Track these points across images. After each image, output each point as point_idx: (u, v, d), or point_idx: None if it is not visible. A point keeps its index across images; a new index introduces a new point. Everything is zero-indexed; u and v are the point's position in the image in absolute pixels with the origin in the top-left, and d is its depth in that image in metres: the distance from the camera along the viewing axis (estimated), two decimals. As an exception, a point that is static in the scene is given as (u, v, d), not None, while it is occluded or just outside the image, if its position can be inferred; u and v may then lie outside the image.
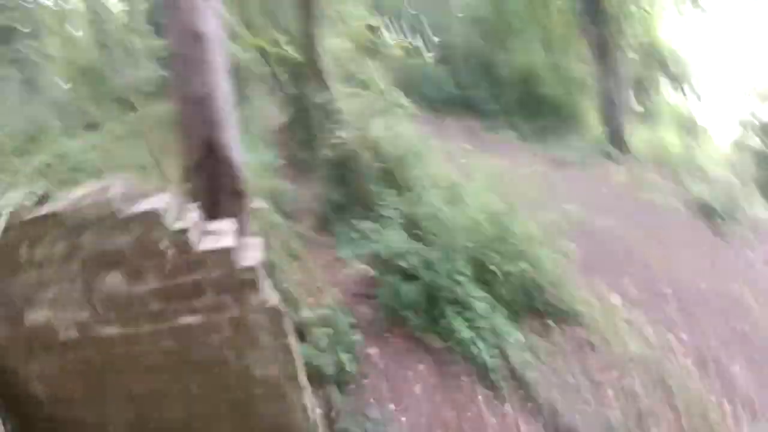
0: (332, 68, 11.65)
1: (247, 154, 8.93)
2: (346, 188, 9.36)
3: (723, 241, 11.93)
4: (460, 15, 26.27)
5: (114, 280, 3.73)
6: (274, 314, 3.83)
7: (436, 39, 29.11)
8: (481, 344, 6.14)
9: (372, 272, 7.29)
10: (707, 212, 12.85)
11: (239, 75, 16.39)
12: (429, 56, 30.71)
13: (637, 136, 18.59)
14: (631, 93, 21.04)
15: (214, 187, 5.05)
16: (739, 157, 20.42)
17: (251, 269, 3.71)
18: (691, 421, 6.10)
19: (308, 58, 11.74)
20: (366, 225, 7.79)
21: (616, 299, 7.88)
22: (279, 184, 9.78)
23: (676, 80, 25.97)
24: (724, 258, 10.97)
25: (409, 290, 6.47)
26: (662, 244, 10.46)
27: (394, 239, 6.95)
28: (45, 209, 3.80)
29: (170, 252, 3.59)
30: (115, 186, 3.73)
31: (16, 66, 10.66)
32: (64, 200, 3.85)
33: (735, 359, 7.47)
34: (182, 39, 5.05)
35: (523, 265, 6.58)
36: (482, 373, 6.12)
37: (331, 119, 10.46)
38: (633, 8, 19.56)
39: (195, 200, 4.85)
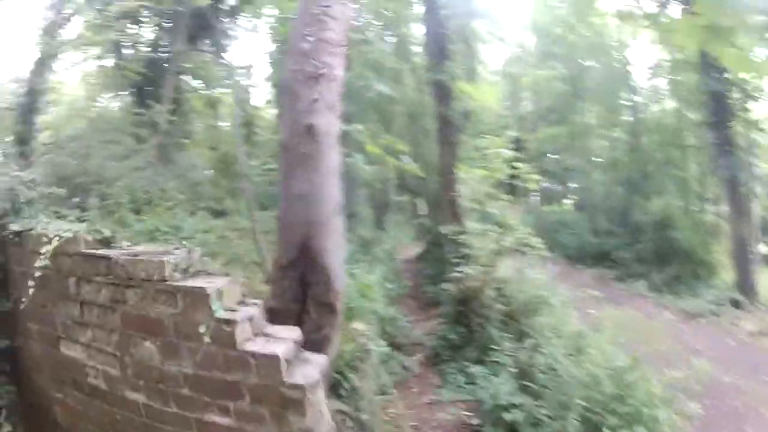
0: (466, 201, 11.37)
1: (368, 275, 8.66)
2: (464, 327, 8.58)
3: None
4: (598, 159, 25.95)
5: (149, 348, 3.36)
6: (318, 447, 3.15)
7: (575, 185, 28.75)
8: None
9: (472, 420, 6.39)
10: None
11: (378, 198, 16.60)
12: (568, 203, 30.30)
13: (765, 279, 17.12)
14: (760, 233, 19.40)
15: (303, 292, 4.52)
16: None
17: (299, 388, 3.08)
18: None
19: (444, 188, 11.56)
20: (476, 369, 7.05)
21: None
22: (394, 312, 9.23)
23: None
24: None
25: (510, 447, 5.51)
26: None
27: (502, 389, 6.05)
28: (101, 251, 3.60)
29: (206, 339, 3.09)
30: (177, 254, 3.38)
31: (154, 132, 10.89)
32: (122, 250, 3.62)
33: None
34: (293, 131, 4.65)
35: (641, 430, 5.44)
36: None
37: (459, 254, 9.98)
38: (759, 139, 18.35)
39: (281, 302, 4.40)
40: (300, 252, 4.51)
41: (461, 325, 8.64)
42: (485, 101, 15.38)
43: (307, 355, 3.41)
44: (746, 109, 17.39)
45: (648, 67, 24.21)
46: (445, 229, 10.68)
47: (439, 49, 12.39)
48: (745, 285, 16.04)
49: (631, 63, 24.27)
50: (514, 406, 5.77)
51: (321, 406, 3.21)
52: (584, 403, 5.61)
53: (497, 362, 6.98)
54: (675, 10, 11.19)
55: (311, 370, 3.23)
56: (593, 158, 25.80)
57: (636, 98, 24.16)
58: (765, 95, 17.60)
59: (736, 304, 15.07)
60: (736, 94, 16.83)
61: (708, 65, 16.33)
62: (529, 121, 26.39)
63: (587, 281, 15.63)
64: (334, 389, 4.72)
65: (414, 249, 15.09)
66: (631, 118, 24.07)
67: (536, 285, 9.00)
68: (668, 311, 14.37)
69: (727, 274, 17.54)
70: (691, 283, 17.38)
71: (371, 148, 9.11)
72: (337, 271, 4.59)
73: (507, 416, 5.71)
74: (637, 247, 19.93)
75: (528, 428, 5.51)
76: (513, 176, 12.16)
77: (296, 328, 3.62)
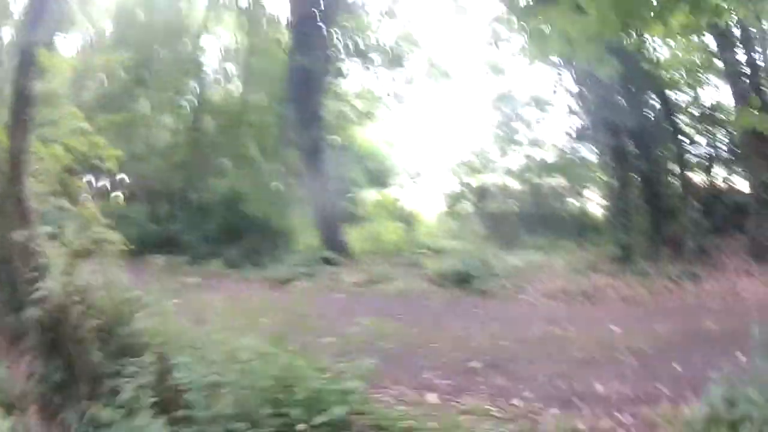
0: (38, 196, 9.21)
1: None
2: (62, 359, 6.79)
3: (491, 299, 12.80)
4: (157, 146, 25.29)
5: None
6: None
7: (127, 175, 27.17)
8: None
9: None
10: (461, 279, 13.56)
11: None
12: (117, 195, 28.45)
13: (353, 235, 19.35)
14: (338, 195, 21.87)
15: None
16: (461, 223, 21.85)
17: None
18: None
19: (11, 182, 9.14)
20: (104, 413, 5.50)
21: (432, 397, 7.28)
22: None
23: (378, 175, 28.35)
24: (503, 312, 11.69)
25: None
26: (441, 325, 10.77)
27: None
28: None
29: None
30: None
31: None
32: None
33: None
34: None
35: (337, 410, 5.05)
36: None
37: (33, 265, 8.02)
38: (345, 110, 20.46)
39: None
40: None
41: (58, 356, 6.81)
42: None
43: None
44: (335, 84, 18.87)
45: (220, 50, 25.68)
46: (16, 236, 8.50)
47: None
48: (335, 243, 17.31)
49: (204, 48, 25.25)
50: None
51: None
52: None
53: (122, 394, 5.65)
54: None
55: None
56: (152, 145, 24.75)
57: (203, 83, 24.84)
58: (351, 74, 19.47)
59: (329, 261, 16.03)
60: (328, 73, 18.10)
61: (300, 45, 17.16)
62: (90, 109, 23.99)
63: (160, 272, 14.66)
64: None
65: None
66: (195, 103, 24.40)
67: (123, 285, 7.75)
68: (256, 283, 14.66)
69: (312, 238, 18.56)
70: (272, 252, 18.32)
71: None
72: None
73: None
74: (205, 227, 20.00)
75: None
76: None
77: None
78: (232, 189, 20.14)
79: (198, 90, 24.44)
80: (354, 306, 12.10)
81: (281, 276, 15.21)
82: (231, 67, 25.87)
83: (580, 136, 20.11)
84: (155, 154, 24.58)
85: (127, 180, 27.33)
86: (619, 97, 18.74)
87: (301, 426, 4.82)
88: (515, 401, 7.38)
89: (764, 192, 16.98)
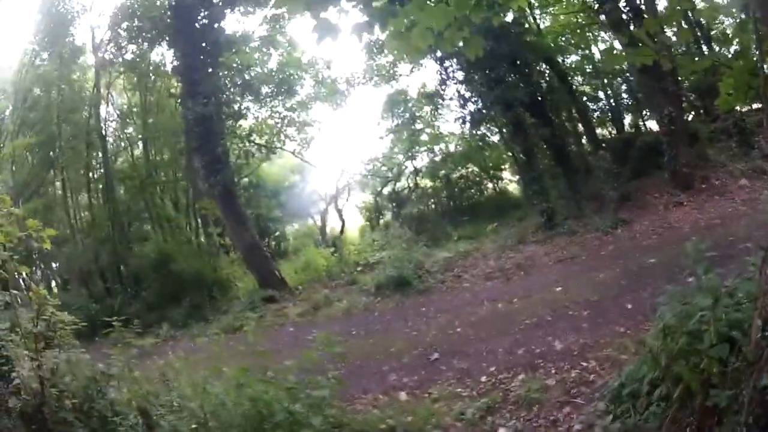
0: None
1: None
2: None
3: (433, 295, 13.06)
4: (79, 225, 24.80)
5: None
6: None
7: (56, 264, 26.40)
8: None
9: None
10: (400, 284, 13.96)
11: None
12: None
13: (285, 269, 19.36)
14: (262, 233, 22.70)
15: None
16: (385, 233, 23.03)
17: None
18: None
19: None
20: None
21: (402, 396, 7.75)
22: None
23: (295, 205, 28.79)
24: (446, 303, 12.02)
25: None
26: (392, 331, 11.10)
27: None
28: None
29: None
30: None
31: None
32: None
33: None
34: None
35: (315, 420, 5.23)
36: None
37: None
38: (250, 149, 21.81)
39: None
40: None
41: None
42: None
43: None
44: (234, 125, 18.75)
45: (116, 117, 25.55)
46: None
47: None
48: (272, 281, 17.21)
49: (104, 116, 24.51)
50: None
51: None
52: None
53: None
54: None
55: None
56: (73, 225, 24.09)
57: (108, 153, 24.00)
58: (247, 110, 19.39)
59: (271, 299, 16.01)
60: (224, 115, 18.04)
61: (192, 93, 16.98)
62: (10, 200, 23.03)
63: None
64: None
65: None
66: (103, 172, 23.83)
67: (84, 363, 7.80)
68: (204, 338, 14.38)
69: (248, 281, 18.41)
70: (215, 305, 17.97)
71: None
72: None
73: None
74: (142, 295, 19.52)
75: None
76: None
77: None
78: (158, 252, 19.85)
79: (105, 161, 23.83)
80: (306, 334, 12.06)
81: (231, 325, 14.98)
82: (132, 131, 25.43)
83: (476, 119, 20.45)
84: (78, 234, 24.00)
85: (56, 266, 26.75)
86: (509, 73, 18.97)
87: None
88: (482, 378, 7.76)
89: (671, 124, 17.57)
